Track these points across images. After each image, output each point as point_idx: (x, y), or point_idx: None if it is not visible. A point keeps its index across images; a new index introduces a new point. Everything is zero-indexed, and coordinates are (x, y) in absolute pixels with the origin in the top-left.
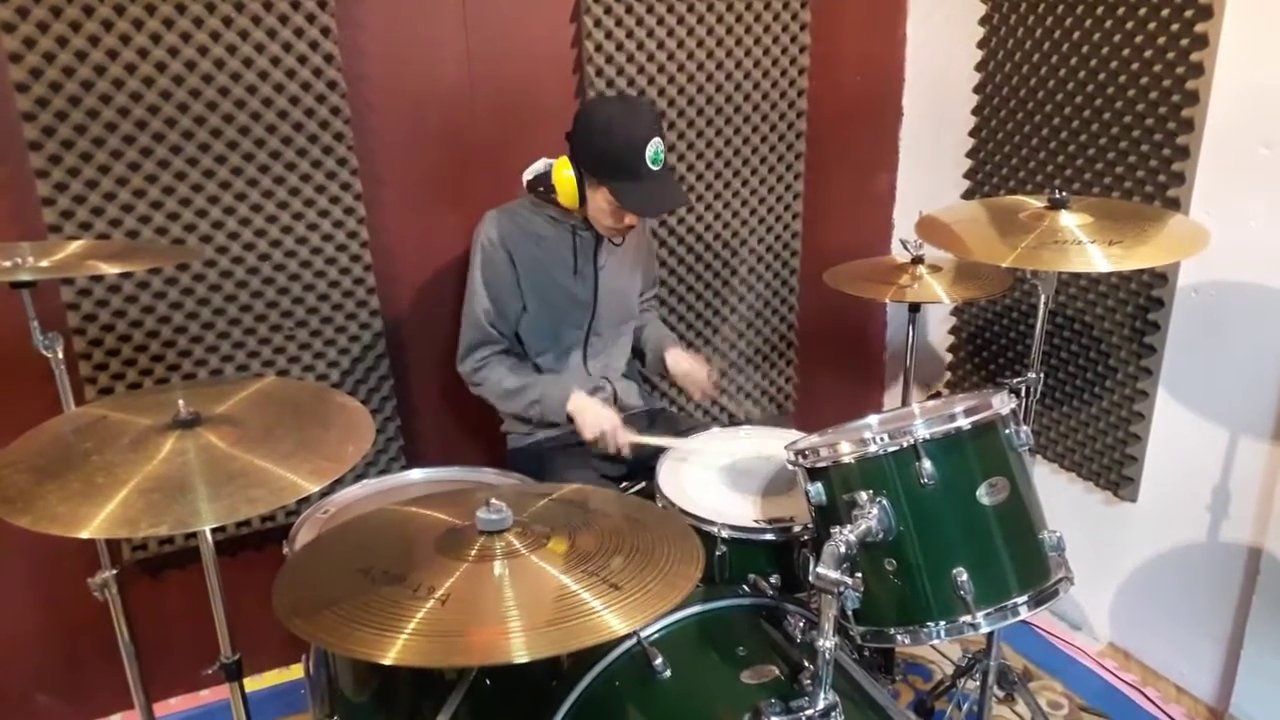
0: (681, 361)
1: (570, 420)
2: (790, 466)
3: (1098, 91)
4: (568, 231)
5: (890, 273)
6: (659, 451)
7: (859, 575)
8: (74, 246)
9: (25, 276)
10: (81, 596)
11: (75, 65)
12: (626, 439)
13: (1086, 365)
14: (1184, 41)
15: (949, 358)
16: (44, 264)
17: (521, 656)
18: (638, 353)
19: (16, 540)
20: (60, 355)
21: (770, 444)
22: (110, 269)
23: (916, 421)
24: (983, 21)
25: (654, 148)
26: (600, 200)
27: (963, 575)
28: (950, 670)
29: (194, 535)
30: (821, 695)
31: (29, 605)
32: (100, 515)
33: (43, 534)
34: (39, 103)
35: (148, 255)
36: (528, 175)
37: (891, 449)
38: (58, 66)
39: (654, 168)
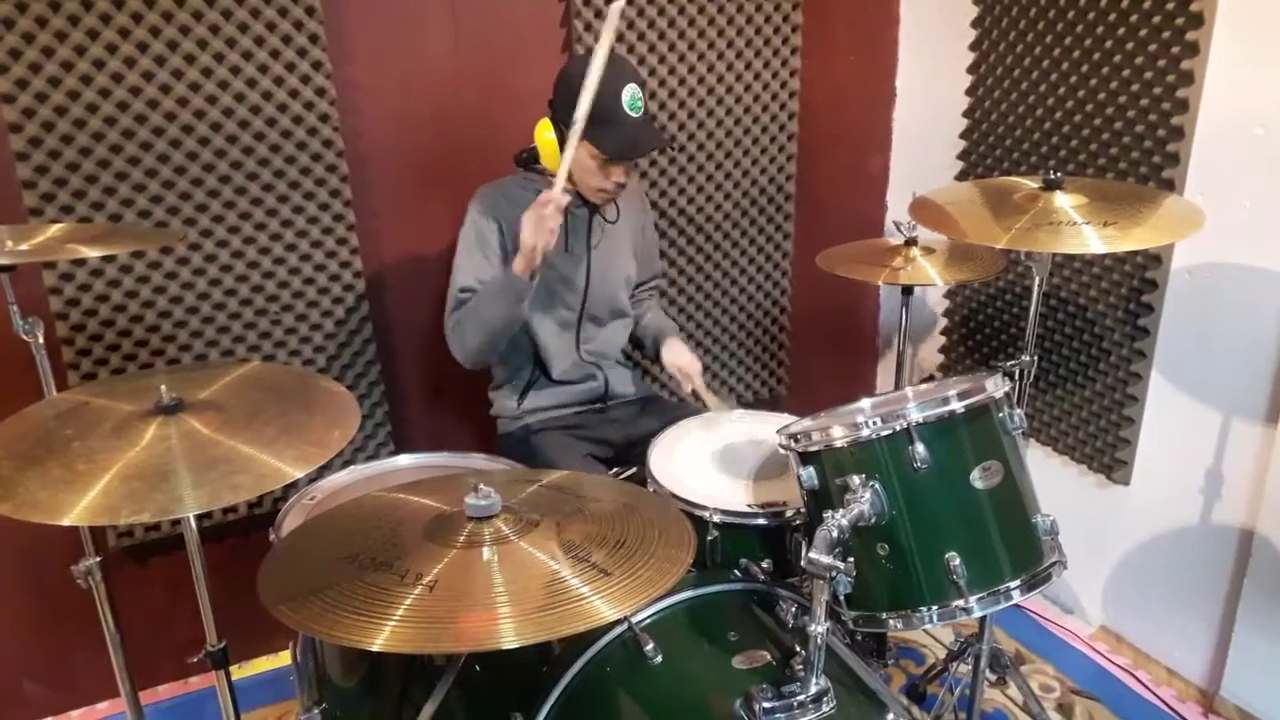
0: (678, 354)
1: (527, 272)
2: (782, 450)
3: (1092, 71)
4: None
5: (883, 255)
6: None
7: (851, 560)
8: (54, 230)
9: (4, 260)
10: (68, 584)
11: (55, 45)
12: (561, 197)
13: (1080, 348)
14: (1179, 20)
15: (942, 340)
16: (23, 247)
17: (511, 643)
18: (637, 342)
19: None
20: (41, 340)
21: (762, 427)
22: (91, 252)
23: (909, 405)
24: (976, 0)
25: (630, 93)
26: (583, 156)
27: (955, 559)
28: (942, 654)
29: (180, 522)
30: (813, 680)
31: (15, 592)
32: (82, 502)
33: (25, 521)
34: (18, 84)
35: (130, 238)
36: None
37: (884, 433)
38: (37, 47)
39: (633, 114)
